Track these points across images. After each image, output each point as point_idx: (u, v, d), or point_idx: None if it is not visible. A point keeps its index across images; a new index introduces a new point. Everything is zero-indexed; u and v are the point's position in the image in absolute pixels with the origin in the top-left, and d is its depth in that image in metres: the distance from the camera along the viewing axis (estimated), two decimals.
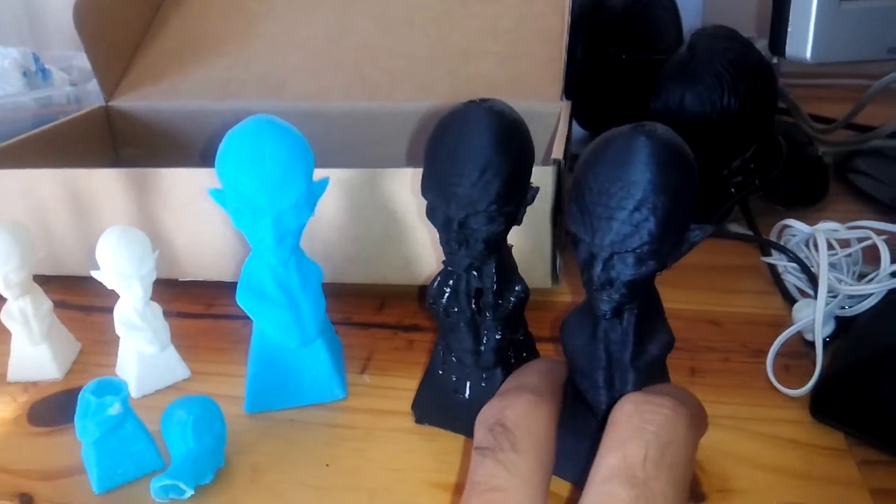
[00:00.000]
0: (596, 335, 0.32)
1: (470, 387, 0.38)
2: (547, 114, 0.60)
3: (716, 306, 0.51)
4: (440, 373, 0.39)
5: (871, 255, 0.46)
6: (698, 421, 0.29)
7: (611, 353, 0.32)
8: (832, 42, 0.59)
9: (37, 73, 0.80)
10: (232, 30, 0.72)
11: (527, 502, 0.26)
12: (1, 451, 0.40)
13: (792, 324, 0.45)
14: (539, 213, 0.47)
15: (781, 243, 0.52)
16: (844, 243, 0.48)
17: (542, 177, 0.45)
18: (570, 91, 0.62)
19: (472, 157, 0.32)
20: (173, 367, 0.45)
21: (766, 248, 0.55)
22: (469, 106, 0.33)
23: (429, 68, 0.66)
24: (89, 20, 0.65)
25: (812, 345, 0.43)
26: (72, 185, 0.51)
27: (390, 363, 0.46)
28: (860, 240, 0.47)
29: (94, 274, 0.42)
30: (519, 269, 0.38)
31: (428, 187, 0.35)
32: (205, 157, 0.63)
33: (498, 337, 0.37)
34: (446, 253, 0.35)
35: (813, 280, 0.47)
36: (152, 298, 0.43)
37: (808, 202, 0.65)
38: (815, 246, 0.47)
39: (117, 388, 0.36)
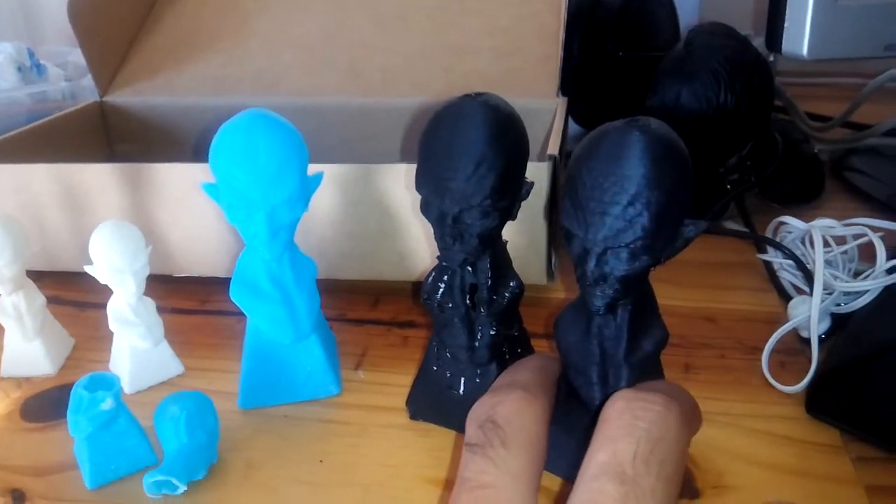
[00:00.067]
0: (590, 331, 0.31)
1: (464, 383, 0.38)
2: (543, 110, 0.60)
3: (711, 303, 0.51)
4: (434, 369, 0.39)
5: (867, 253, 0.46)
6: (691, 417, 0.29)
7: (604, 349, 0.31)
8: (829, 38, 0.59)
9: (32, 69, 0.79)
10: (227, 26, 0.72)
11: (516, 499, 0.26)
12: None
13: (787, 321, 0.45)
14: (534, 209, 0.46)
15: (777, 240, 0.52)
16: (840, 240, 0.48)
17: (538, 173, 0.45)
18: (566, 88, 0.62)
19: (467, 151, 0.32)
20: (167, 362, 0.45)
21: (761, 244, 0.55)
22: (464, 100, 0.33)
23: (424, 65, 0.66)
24: (84, 15, 0.65)
25: (807, 342, 0.43)
26: (65, 180, 0.51)
27: (385, 359, 0.46)
28: (856, 237, 0.47)
29: (87, 269, 0.41)
30: (515, 266, 0.38)
31: (422, 182, 0.35)
32: (197, 153, 0.63)
33: (492, 333, 0.37)
34: (440, 248, 0.35)
35: (809, 277, 0.47)
36: (146, 294, 0.43)
37: (804, 200, 0.65)
38: (811, 243, 0.47)
39: (110, 384, 0.36)
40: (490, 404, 0.29)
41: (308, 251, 0.42)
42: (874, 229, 0.46)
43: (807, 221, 0.49)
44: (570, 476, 0.34)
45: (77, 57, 0.83)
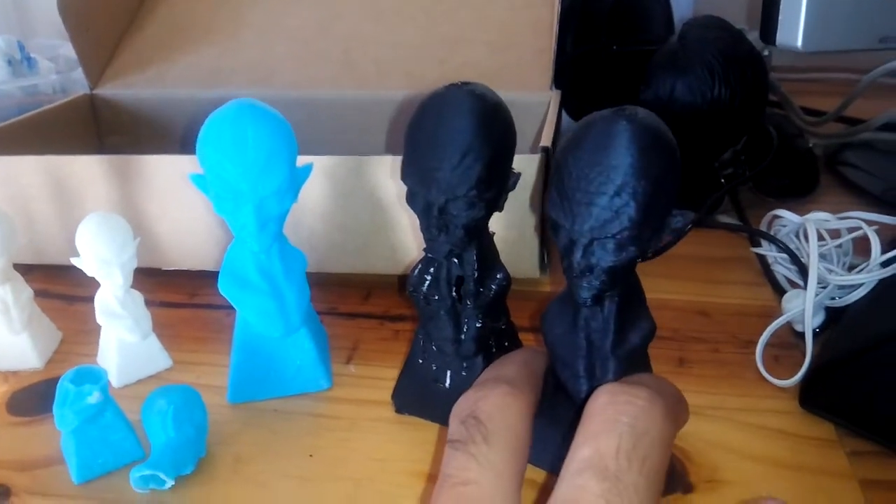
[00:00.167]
0: (576, 323, 0.31)
1: (450, 376, 0.38)
2: (536, 103, 0.60)
3: (705, 297, 0.50)
4: (420, 362, 0.39)
5: (862, 247, 0.45)
6: (676, 411, 0.29)
7: (591, 341, 0.31)
8: (823, 30, 0.59)
9: (22, 62, 0.79)
10: (219, 18, 0.71)
11: (498, 495, 0.26)
12: None
13: (781, 314, 0.45)
14: (525, 201, 0.46)
15: (771, 234, 0.52)
16: (835, 234, 0.48)
17: (530, 165, 0.45)
18: (559, 81, 0.61)
19: (453, 141, 0.32)
20: (155, 356, 0.44)
21: (755, 238, 0.55)
22: (450, 89, 0.32)
23: (418, 57, 0.65)
24: (74, 8, 0.65)
25: (802, 335, 0.43)
26: (54, 172, 0.51)
27: (376, 353, 0.46)
28: (850, 230, 0.47)
29: (73, 261, 0.41)
30: (507, 258, 0.38)
31: (408, 172, 0.34)
32: (185, 145, 0.63)
33: (478, 325, 0.36)
34: (426, 239, 0.35)
35: (803, 271, 0.47)
36: (134, 287, 0.43)
37: (798, 194, 0.65)
38: (805, 236, 0.47)
39: (97, 377, 0.36)
40: (473, 399, 0.29)
41: (299, 244, 0.41)
42: (869, 223, 0.46)
43: (801, 215, 0.49)
44: (555, 469, 0.34)
45: (68, 50, 0.83)
